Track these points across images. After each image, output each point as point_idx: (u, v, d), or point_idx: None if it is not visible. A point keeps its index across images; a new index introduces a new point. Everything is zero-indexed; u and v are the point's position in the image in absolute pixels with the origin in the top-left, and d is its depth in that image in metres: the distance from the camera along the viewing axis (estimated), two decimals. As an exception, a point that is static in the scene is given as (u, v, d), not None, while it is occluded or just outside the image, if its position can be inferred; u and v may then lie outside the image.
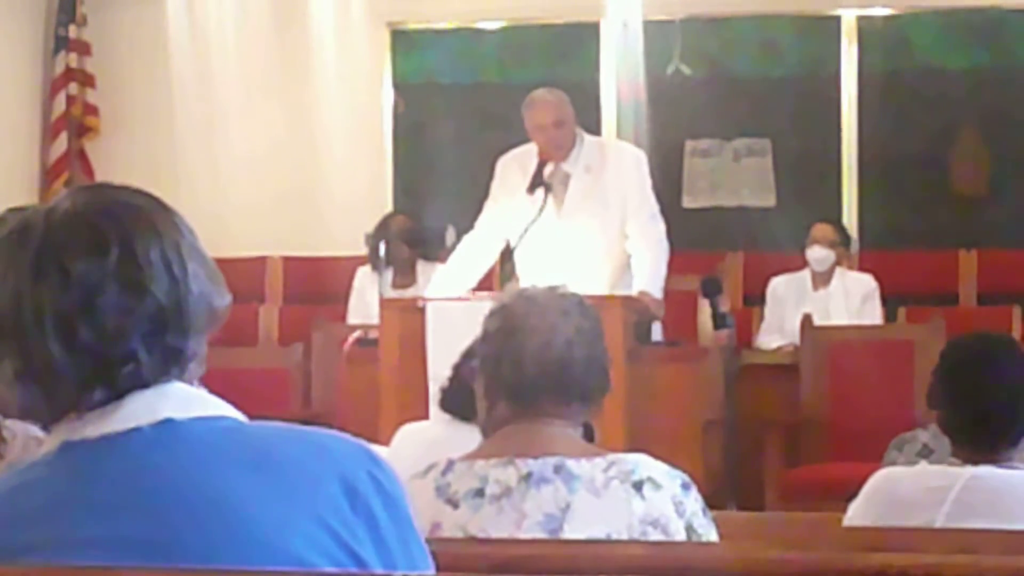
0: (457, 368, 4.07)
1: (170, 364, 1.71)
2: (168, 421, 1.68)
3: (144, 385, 1.69)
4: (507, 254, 6.10)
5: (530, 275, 5.98)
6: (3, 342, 1.69)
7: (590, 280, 5.87)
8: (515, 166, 6.26)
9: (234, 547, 1.63)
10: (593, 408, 2.85)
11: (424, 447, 3.92)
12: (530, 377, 2.78)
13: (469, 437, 3.47)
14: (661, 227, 6.26)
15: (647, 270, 6.12)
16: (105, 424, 1.68)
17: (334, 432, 1.76)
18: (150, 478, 1.66)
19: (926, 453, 3.76)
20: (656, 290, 6.10)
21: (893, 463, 3.77)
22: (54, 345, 1.66)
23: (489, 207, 6.35)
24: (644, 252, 6.17)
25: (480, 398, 2.88)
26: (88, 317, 1.66)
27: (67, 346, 1.66)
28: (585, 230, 6.16)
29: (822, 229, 8.14)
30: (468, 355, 3.94)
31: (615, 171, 6.23)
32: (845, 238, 8.28)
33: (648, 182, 6.30)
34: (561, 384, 2.78)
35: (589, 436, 2.88)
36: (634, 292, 6.02)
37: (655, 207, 6.28)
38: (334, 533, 1.66)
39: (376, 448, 1.80)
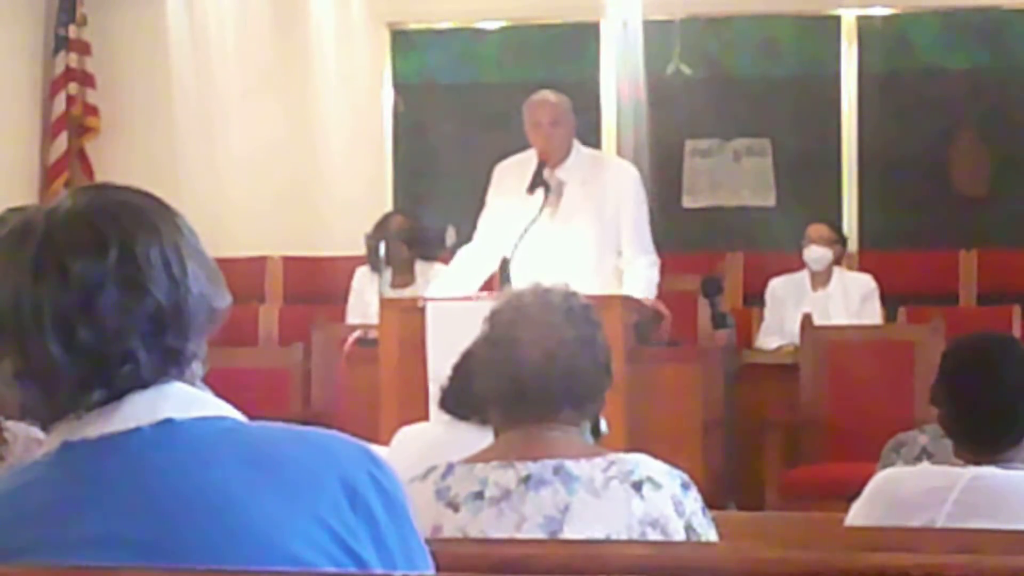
0: (456, 368, 4.06)
1: (169, 364, 1.71)
2: (168, 421, 1.68)
3: (143, 385, 1.69)
4: (506, 260, 6.08)
5: (524, 278, 5.94)
6: (2, 341, 1.69)
7: (582, 284, 5.85)
8: (513, 172, 6.22)
9: (234, 547, 1.63)
10: (598, 404, 2.84)
11: (423, 448, 3.91)
12: (524, 388, 2.76)
13: (468, 437, 3.46)
14: (655, 272, 6.20)
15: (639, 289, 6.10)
16: (105, 424, 1.68)
17: (334, 432, 1.76)
18: (150, 478, 1.66)
19: (925, 457, 3.74)
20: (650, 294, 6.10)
21: (891, 465, 3.75)
22: (53, 345, 1.66)
23: (485, 217, 6.30)
24: (634, 284, 6.13)
25: (484, 402, 2.87)
26: (87, 317, 1.66)
27: (66, 346, 1.66)
28: (579, 236, 6.13)
29: (817, 229, 8.14)
30: (467, 355, 3.92)
31: (612, 186, 6.18)
32: (841, 237, 8.28)
33: (645, 206, 6.26)
34: (558, 391, 2.76)
35: (596, 430, 2.87)
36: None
37: (651, 245, 6.22)
38: (334, 533, 1.66)
39: (376, 449, 1.80)
